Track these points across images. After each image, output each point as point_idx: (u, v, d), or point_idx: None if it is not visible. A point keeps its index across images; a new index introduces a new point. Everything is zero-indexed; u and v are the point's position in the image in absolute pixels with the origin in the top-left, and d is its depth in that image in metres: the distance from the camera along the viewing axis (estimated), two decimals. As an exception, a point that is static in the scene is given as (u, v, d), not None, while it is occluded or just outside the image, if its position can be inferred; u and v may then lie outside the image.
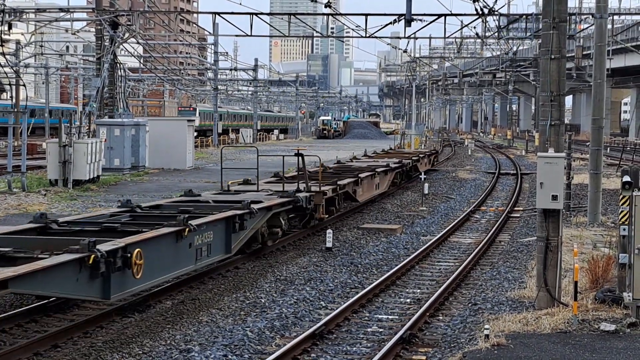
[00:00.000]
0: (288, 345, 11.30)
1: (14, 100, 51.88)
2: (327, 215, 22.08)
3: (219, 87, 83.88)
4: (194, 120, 55.28)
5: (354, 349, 11.87)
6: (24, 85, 36.75)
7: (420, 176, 33.21)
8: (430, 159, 44.07)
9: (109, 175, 36.40)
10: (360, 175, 25.97)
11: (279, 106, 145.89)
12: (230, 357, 11.07)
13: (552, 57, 13.31)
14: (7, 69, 36.92)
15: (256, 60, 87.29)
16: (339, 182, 23.32)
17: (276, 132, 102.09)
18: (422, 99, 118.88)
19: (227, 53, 79.46)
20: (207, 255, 14.70)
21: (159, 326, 12.53)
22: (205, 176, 38.70)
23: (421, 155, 40.33)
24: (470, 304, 14.44)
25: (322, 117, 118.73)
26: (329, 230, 20.33)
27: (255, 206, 16.74)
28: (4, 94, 46.54)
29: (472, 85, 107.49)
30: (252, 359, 11.09)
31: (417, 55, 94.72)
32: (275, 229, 18.54)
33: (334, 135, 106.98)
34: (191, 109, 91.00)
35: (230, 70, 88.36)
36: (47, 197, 28.76)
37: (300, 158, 21.45)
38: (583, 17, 56.02)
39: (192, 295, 14.72)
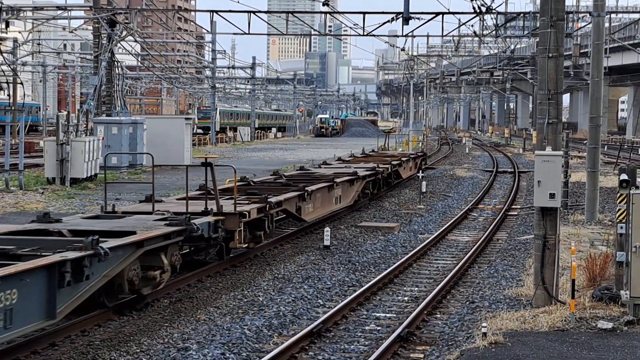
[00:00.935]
0: (286, 344, 11.31)
1: (11, 98, 51.86)
2: (246, 245, 17.02)
3: (217, 85, 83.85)
4: (191, 118, 55.20)
5: (352, 347, 11.88)
6: (21, 83, 36.73)
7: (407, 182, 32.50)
8: (417, 163, 38.69)
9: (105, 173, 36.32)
10: (308, 187, 20.88)
11: (277, 104, 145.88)
12: (228, 355, 11.07)
13: (550, 55, 13.31)
14: (4, 67, 36.91)
15: (254, 58, 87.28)
16: (271, 199, 18.12)
17: (274, 130, 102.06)
18: (420, 97, 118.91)
19: (224, 51, 79.44)
20: (3, 328, 9.56)
21: (157, 324, 12.53)
22: (203, 174, 38.57)
23: (404, 159, 35.03)
24: (468, 302, 14.45)
25: (319, 115, 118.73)
26: (327, 229, 20.34)
27: (109, 244, 11.67)
28: (1, 92, 46.50)
29: (470, 83, 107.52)
30: (250, 358, 11.09)
31: (415, 53, 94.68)
32: (153, 272, 13.31)
33: (332, 133, 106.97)
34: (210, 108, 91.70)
35: (228, 68, 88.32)
36: (45, 195, 28.74)
37: (209, 169, 17.06)
38: (580, 15, 56.01)
39: (189, 294, 14.72)
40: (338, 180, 23.53)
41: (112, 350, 11.05)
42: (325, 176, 24.58)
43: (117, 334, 11.93)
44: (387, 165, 30.63)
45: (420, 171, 36.17)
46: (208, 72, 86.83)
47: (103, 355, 10.84)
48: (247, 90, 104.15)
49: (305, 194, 20.45)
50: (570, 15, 49.42)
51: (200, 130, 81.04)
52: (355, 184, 25.52)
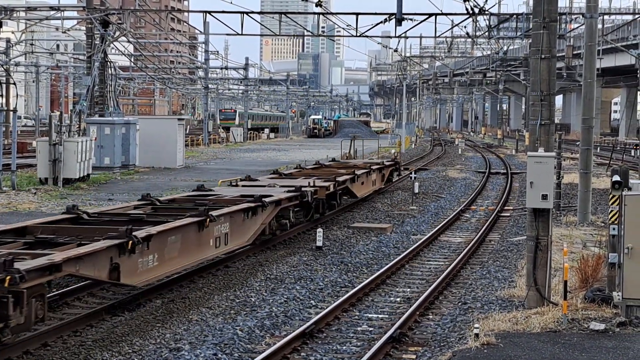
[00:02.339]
0: (278, 344, 11.30)
1: (4, 98, 51.71)
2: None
3: (210, 86, 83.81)
4: (184, 118, 55.19)
5: (344, 347, 11.88)
6: (14, 83, 36.63)
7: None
8: (384, 175, 31.59)
9: (99, 174, 36.32)
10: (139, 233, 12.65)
11: (270, 105, 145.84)
12: (220, 356, 11.06)
13: (543, 56, 13.34)
14: (-4, 67, 36.78)
15: (247, 59, 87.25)
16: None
17: (267, 130, 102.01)
18: (413, 98, 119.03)
19: (217, 52, 79.43)
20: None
21: (149, 325, 12.52)
22: (195, 175, 38.65)
23: (362, 172, 27.38)
24: (460, 303, 14.47)
25: (312, 116, 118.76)
26: (319, 229, 20.33)
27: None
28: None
29: (463, 84, 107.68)
30: (242, 358, 11.09)
31: (408, 54, 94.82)
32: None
33: (325, 134, 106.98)
34: (232, 110, 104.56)
35: (221, 69, 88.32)
36: (37, 195, 28.68)
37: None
38: (573, 16, 56.16)
39: (182, 294, 14.71)
40: (217, 213, 15.45)
41: (104, 351, 11.03)
42: (220, 201, 18.34)
43: (110, 334, 11.90)
44: (327, 183, 22.78)
45: (399, 175, 34.48)
46: (201, 73, 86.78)
47: (95, 355, 10.82)
48: (240, 91, 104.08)
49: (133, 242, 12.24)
50: (563, 16, 49.54)
51: (221, 130, 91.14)
52: (260, 215, 17.88)
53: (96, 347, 11.23)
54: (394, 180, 35.24)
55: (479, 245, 20.88)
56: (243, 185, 22.55)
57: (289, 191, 20.28)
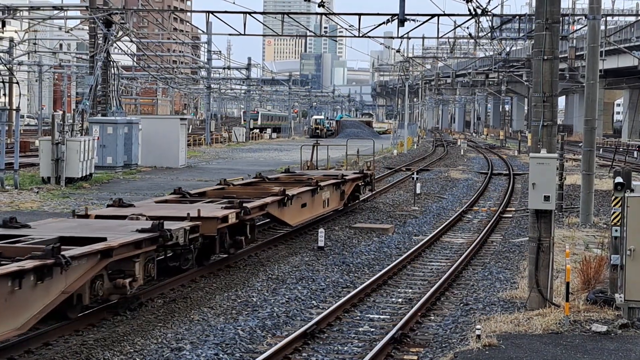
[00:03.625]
0: (279, 344, 11.30)
1: (7, 97, 51.78)
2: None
3: (212, 85, 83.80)
4: (186, 118, 55.20)
5: (346, 348, 11.88)
6: (17, 82, 36.65)
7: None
8: (342, 193, 24.56)
9: (101, 173, 36.35)
10: None
11: (272, 105, 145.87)
12: (221, 355, 11.06)
13: (545, 57, 13.32)
14: (0, 67, 36.84)
15: (249, 59, 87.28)
16: None
17: (269, 130, 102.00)
18: (415, 99, 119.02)
19: (220, 52, 79.49)
20: None
21: (151, 324, 12.52)
22: (197, 174, 38.66)
23: (301, 191, 20.74)
24: (462, 304, 14.46)
25: (314, 116, 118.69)
26: (321, 230, 20.33)
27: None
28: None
29: (465, 85, 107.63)
30: (243, 358, 11.08)
31: (410, 55, 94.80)
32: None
33: (327, 134, 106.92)
34: (255, 111, 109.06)
35: (224, 69, 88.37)
36: (40, 194, 28.70)
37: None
38: (576, 18, 56.11)
39: (183, 294, 14.71)
40: None
41: (105, 350, 11.03)
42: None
43: (111, 333, 11.90)
44: (224, 212, 16.27)
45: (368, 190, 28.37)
46: (203, 73, 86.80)
47: (97, 354, 10.82)
48: (243, 91, 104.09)
49: None
50: (566, 17, 49.52)
51: (269, 130, 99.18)
52: (66, 277, 10.99)
53: (98, 346, 11.23)
54: (362, 199, 28.31)
55: (481, 247, 20.87)
56: (96, 216, 15.75)
57: (142, 230, 13.28)
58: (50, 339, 11.39)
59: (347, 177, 25.13)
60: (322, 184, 22.35)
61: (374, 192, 30.62)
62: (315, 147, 32.75)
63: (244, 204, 17.10)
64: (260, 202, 18.11)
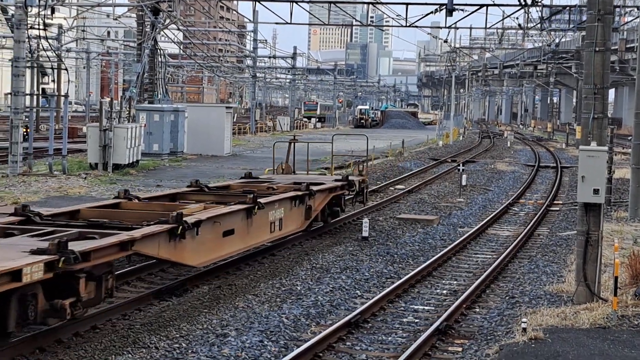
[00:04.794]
0: (324, 333, 11.31)
1: (55, 84, 52.43)
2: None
3: (258, 74, 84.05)
4: (232, 107, 55.41)
5: (390, 338, 11.85)
6: (66, 69, 37.07)
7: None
8: (308, 209, 18.40)
9: (147, 160, 36.65)
10: None
11: (317, 95, 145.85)
12: (266, 343, 11.11)
13: (597, 49, 13.14)
14: (49, 53, 37.28)
15: (295, 48, 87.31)
16: None
17: (313, 120, 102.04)
18: (462, 90, 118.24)
19: (266, 41, 79.56)
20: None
21: (196, 310, 12.61)
22: (242, 163, 38.80)
23: (224, 212, 14.48)
24: (507, 297, 14.35)
25: (359, 106, 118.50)
26: (365, 220, 20.30)
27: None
28: (46, 77, 47.02)
29: (513, 76, 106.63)
30: (287, 346, 11.11)
31: (458, 45, 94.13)
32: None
33: (372, 124, 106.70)
34: (314, 102, 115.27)
35: (269, 58, 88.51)
36: (87, 180, 29.02)
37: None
38: (627, 9, 55.23)
39: (228, 281, 14.80)
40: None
41: (152, 335, 11.14)
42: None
43: (157, 318, 12.02)
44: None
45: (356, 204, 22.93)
46: (249, 62, 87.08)
47: (143, 339, 10.93)
48: (288, 80, 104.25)
49: None
50: (617, 9, 48.80)
51: (305, 119, 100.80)
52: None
53: (144, 330, 11.34)
54: (341, 216, 21.49)
55: (528, 240, 20.68)
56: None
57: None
58: (98, 322, 11.52)
59: (316, 188, 18.71)
60: (265, 200, 15.76)
61: (366, 207, 23.66)
62: (292, 144, 24.80)
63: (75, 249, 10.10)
64: (115, 239, 11.04)
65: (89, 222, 12.96)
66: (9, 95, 32.51)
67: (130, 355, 10.24)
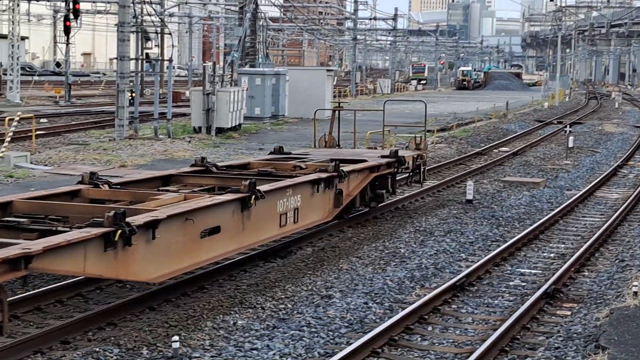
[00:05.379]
0: (429, 296, 11.22)
1: (159, 48, 53.31)
2: None
3: (358, 37, 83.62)
4: (332, 70, 55.33)
5: (496, 302, 11.68)
6: (169, 33, 37.60)
7: None
8: (338, 194, 14.76)
9: (249, 124, 36.97)
10: None
11: (418, 56, 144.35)
12: (370, 305, 11.09)
13: None
14: (153, 18, 37.85)
15: (396, 9, 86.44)
16: None
17: (414, 82, 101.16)
18: (567, 50, 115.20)
19: (366, 2, 79.05)
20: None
21: (300, 272, 12.68)
22: (342, 126, 38.67)
23: (190, 208, 10.50)
24: (617, 261, 13.97)
25: (461, 68, 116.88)
26: (470, 182, 20.03)
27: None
28: (149, 42, 47.82)
29: (621, 36, 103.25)
30: (392, 308, 11.06)
31: (564, 4, 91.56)
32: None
33: (474, 86, 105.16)
34: (422, 65, 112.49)
35: (370, 19, 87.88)
36: (192, 144, 29.45)
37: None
38: None
39: (331, 243, 14.83)
40: None
41: (258, 295, 11.25)
42: None
43: (263, 279, 12.14)
44: None
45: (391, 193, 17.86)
46: (349, 24, 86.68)
47: (250, 299, 11.05)
48: (388, 42, 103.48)
49: None
50: None
51: (414, 82, 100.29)
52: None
53: (250, 291, 11.47)
54: (398, 197, 18.85)
55: (637, 202, 20.05)
56: None
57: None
58: (204, 282, 11.71)
59: (349, 168, 15.27)
60: (269, 187, 12.31)
61: (424, 186, 20.12)
62: (337, 113, 22.25)
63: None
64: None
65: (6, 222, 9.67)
66: (115, 61, 33.19)
67: (237, 315, 10.37)
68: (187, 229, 10.38)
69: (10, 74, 52.42)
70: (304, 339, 9.58)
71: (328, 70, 49.04)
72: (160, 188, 12.74)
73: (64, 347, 9.07)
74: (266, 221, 12.25)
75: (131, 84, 33.52)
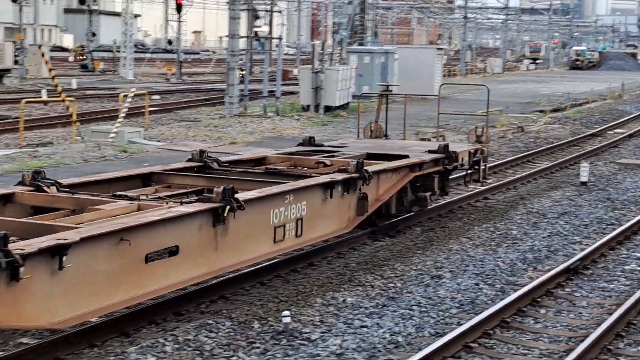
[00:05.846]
0: (542, 278, 10.96)
1: (269, 26, 53.70)
2: None
3: (468, 15, 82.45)
4: (442, 48, 54.67)
5: (611, 285, 11.33)
6: (279, 11, 37.78)
7: None
8: (361, 199, 11.82)
9: (357, 102, 36.86)
10: None
11: (529, 36, 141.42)
12: (482, 286, 10.91)
13: None
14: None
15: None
16: None
17: (526, 62, 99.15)
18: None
19: (478, -20, 77.73)
20: None
21: (410, 251, 12.58)
22: (451, 105, 38.21)
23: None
24: None
25: (575, 48, 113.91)
26: (584, 164, 19.51)
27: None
28: (259, 20, 48.20)
29: None
30: (504, 289, 10.86)
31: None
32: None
33: (588, 66, 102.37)
34: (538, 44, 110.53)
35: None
36: (300, 121, 29.58)
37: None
38: None
39: (441, 223, 14.67)
40: None
41: (367, 273, 11.22)
42: None
43: (372, 257, 12.10)
44: None
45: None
46: (460, 2, 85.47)
47: (359, 277, 11.03)
48: (500, 21, 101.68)
49: None
50: None
51: (526, 61, 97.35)
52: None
53: (359, 269, 11.45)
54: (439, 201, 15.59)
55: None
56: None
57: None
58: (314, 259, 11.74)
59: (376, 168, 12.28)
60: (253, 194, 9.69)
61: (484, 185, 17.31)
62: (385, 97, 18.85)
63: None
64: None
65: None
66: (224, 39, 33.55)
67: (347, 292, 10.35)
68: (122, 253, 7.93)
69: (123, 51, 53.77)
70: (414, 318, 9.50)
71: (438, 48, 48.48)
72: (124, 192, 9.94)
73: (177, 318, 9.24)
74: (253, 236, 9.69)
75: (241, 62, 33.85)
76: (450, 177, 15.13)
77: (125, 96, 26.39)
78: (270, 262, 11.10)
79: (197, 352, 8.23)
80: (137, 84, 46.03)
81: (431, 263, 11.91)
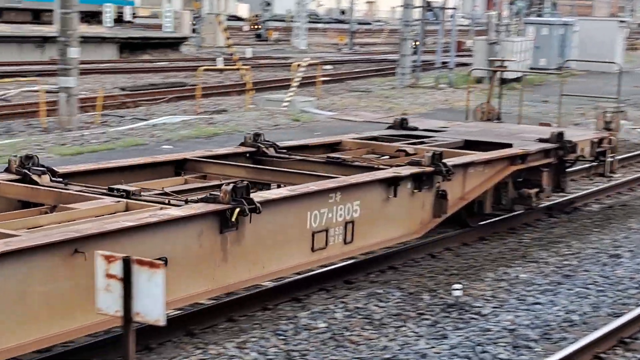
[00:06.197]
0: None
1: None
2: None
3: (654, -14, 78.40)
4: (625, 21, 52.34)
5: None
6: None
7: None
8: (440, 196, 9.83)
9: (533, 75, 35.90)
10: None
11: None
12: (664, 267, 10.39)
13: None
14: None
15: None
16: None
17: None
18: None
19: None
20: None
21: (586, 229, 12.15)
22: (633, 80, 36.59)
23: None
24: None
25: None
26: None
27: None
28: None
29: None
30: (688, 274, 10.28)
31: None
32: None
33: None
34: None
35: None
36: (473, 94, 29.03)
37: None
38: None
39: (620, 201, 14.08)
40: None
41: (541, 250, 10.91)
42: None
43: (546, 234, 11.75)
44: None
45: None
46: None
47: (532, 253, 10.74)
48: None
49: None
50: None
51: None
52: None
53: (533, 245, 11.14)
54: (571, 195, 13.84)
55: None
56: None
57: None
58: (485, 234, 11.50)
59: (459, 161, 10.23)
60: (282, 193, 8.00)
61: (610, 182, 14.97)
62: (499, 74, 18.05)
63: None
64: None
65: None
66: (397, 9, 33.37)
67: (520, 268, 10.09)
68: (75, 269, 6.15)
69: (297, 21, 54.50)
70: (589, 297, 9.15)
71: (620, 21, 46.45)
72: (121, 186, 7.82)
73: (347, 286, 9.27)
74: (281, 244, 7.90)
75: (414, 32, 33.59)
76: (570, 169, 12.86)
77: (299, 65, 26.72)
78: (440, 236, 10.92)
79: (367, 320, 8.23)
80: (309, 53, 46.59)
81: (609, 241, 11.44)
